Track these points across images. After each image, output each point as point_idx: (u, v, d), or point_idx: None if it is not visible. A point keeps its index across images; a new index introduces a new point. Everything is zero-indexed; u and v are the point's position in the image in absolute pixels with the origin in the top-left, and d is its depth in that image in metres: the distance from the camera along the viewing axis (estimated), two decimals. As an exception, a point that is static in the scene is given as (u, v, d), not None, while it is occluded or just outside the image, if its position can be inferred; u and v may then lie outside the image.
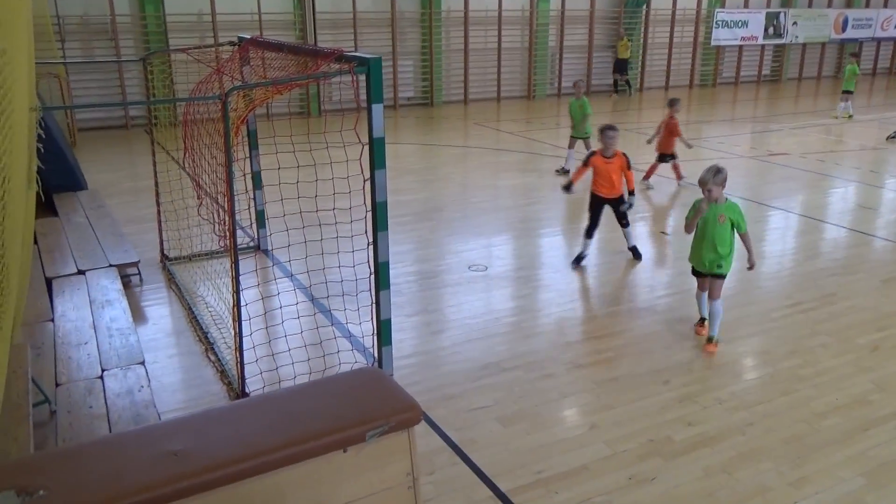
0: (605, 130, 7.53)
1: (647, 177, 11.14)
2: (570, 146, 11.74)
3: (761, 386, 5.38)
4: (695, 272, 6.05)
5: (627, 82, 21.23)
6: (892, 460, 4.46)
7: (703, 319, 6.17)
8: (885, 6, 26.03)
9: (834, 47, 25.50)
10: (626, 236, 7.97)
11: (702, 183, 5.66)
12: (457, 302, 6.88)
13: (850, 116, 17.33)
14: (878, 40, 26.24)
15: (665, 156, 11.04)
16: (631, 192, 7.60)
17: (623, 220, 7.82)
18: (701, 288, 6.10)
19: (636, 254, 7.95)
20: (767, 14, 23.22)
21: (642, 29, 21.57)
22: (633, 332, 6.24)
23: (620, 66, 21.01)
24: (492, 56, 19.68)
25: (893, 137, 14.26)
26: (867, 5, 25.76)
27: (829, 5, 24.83)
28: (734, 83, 23.77)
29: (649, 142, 11.24)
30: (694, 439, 4.67)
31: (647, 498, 4.12)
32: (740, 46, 23.36)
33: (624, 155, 7.57)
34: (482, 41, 19.50)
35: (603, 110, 18.84)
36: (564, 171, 11.44)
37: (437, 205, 10.12)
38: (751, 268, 5.88)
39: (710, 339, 5.89)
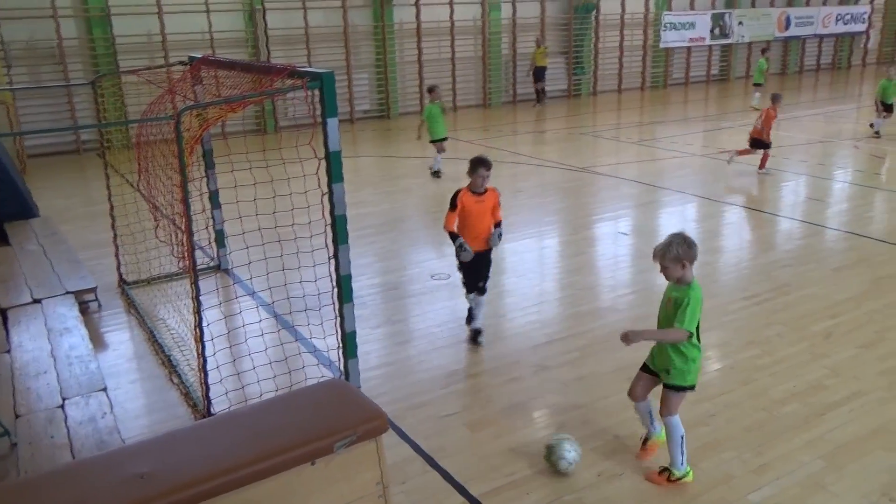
0: (479, 168, 5.72)
1: (762, 166, 11.88)
2: (439, 151, 12.29)
3: (722, 377, 5.51)
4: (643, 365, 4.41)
5: (542, 90, 20.60)
6: (849, 442, 4.60)
7: (646, 437, 4.50)
8: (825, 4, 26.85)
9: (778, 45, 26.21)
10: (476, 309, 6.09)
11: (654, 257, 4.10)
12: (421, 311, 6.91)
13: (755, 107, 18.32)
14: (820, 37, 27.04)
15: (760, 142, 11.78)
16: (497, 224, 5.87)
17: (483, 283, 6.00)
18: (636, 394, 4.36)
19: (477, 338, 6.12)
20: (713, 15, 23.78)
21: (593, 34, 21.92)
22: (597, 332, 6.33)
23: (539, 75, 20.46)
24: (446, 66, 19.82)
25: (877, 135, 14.61)
26: (808, 3, 26.55)
27: (772, 4, 25.53)
28: (684, 84, 24.27)
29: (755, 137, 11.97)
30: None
31: (616, 493, 4.19)
32: (688, 48, 23.88)
33: (495, 190, 5.95)
34: (436, 52, 19.63)
35: (555, 115, 19.08)
36: (437, 174, 12.20)
37: (398, 216, 10.14)
38: (625, 341, 4.13)
39: (662, 470, 4.29)
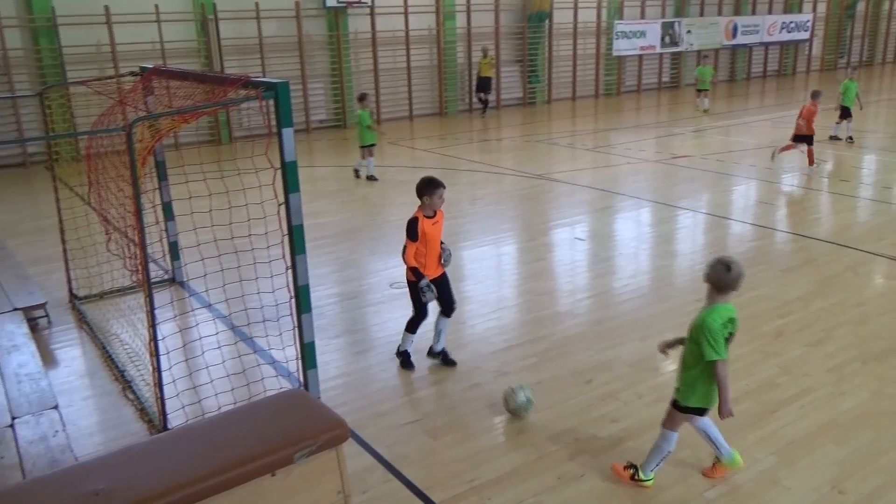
0: (439, 188, 5.49)
1: (811, 162, 12.64)
2: (363, 157, 12.80)
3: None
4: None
5: (486, 101, 20.39)
6: (800, 438, 4.73)
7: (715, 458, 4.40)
8: (770, 13, 27.64)
9: (726, 53, 26.87)
10: (444, 331, 5.87)
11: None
12: (381, 320, 6.90)
13: (706, 111, 19.60)
14: (766, 45, 27.81)
15: (802, 136, 12.56)
16: (441, 243, 5.69)
17: (451, 306, 5.83)
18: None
19: (448, 358, 5.93)
20: (663, 24, 24.28)
21: (546, 43, 22.19)
22: (555, 337, 6.40)
23: (483, 85, 20.28)
24: (402, 75, 19.85)
25: (850, 140, 14.94)
26: (754, 12, 27.29)
27: (720, 13, 26.18)
28: (637, 91, 24.71)
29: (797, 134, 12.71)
30: (618, 435, 4.83)
31: (576, 495, 4.24)
32: (640, 56, 24.33)
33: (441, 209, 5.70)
34: (391, 61, 19.65)
35: (511, 123, 19.25)
36: (368, 177, 12.77)
37: (356, 225, 10.12)
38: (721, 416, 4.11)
39: (630, 466, 4.40)
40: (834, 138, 15.05)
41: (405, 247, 5.52)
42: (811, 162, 12.68)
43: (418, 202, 5.58)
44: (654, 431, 4.79)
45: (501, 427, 5.04)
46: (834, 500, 4.13)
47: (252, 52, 17.36)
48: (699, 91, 19.89)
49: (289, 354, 5.58)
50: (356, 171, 13.08)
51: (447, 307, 5.80)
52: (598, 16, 23.02)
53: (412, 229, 5.46)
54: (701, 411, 4.19)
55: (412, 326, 5.81)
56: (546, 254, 8.88)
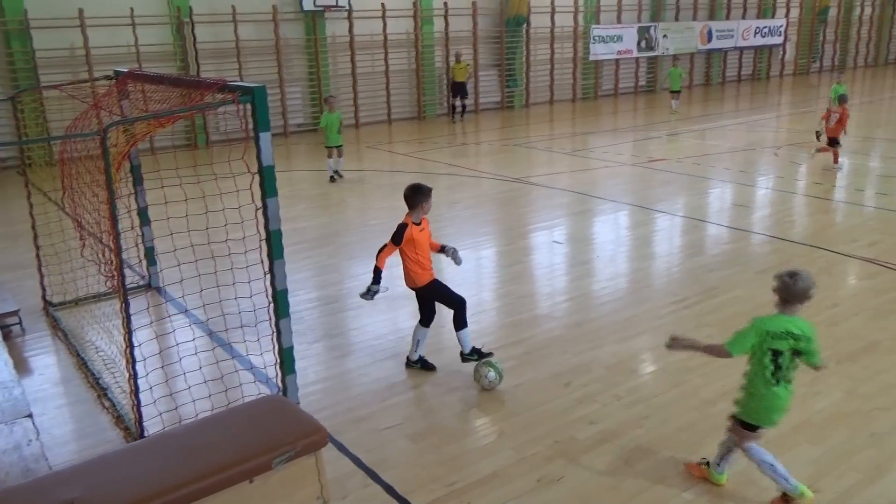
0: (429, 197, 5.70)
1: (835, 161, 13.01)
2: (330, 156, 13.10)
3: (655, 380, 5.66)
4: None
5: (463, 107, 20.32)
6: (775, 436, 4.75)
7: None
8: (744, 17, 27.99)
9: (702, 57, 27.16)
10: (420, 342, 5.89)
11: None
12: (360, 325, 6.88)
13: (675, 112, 20.39)
14: (740, 49, 28.16)
15: (835, 140, 12.95)
16: (444, 246, 5.89)
17: (431, 317, 5.88)
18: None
19: (427, 364, 5.91)
20: (639, 28, 24.50)
21: (524, 47, 22.29)
22: (534, 340, 6.42)
23: (458, 90, 20.17)
24: (380, 79, 19.84)
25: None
26: (728, 17, 27.62)
27: (695, 18, 26.47)
28: (614, 95, 24.90)
29: (819, 133, 13.20)
30: (596, 437, 4.85)
31: (556, 497, 4.25)
32: (617, 60, 24.52)
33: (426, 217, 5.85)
34: (369, 65, 19.64)
35: (489, 127, 19.30)
36: (335, 178, 13.06)
37: (335, 230, 10.08)
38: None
39: (781, 496, 4.14)
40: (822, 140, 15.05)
41: (384, 246, 5.59)
42: (836, 161, 13.05)
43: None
44: (633, 433, 4.85)
45: (481, 430, 5.05)
46: (815, 500, 4.18)
47: (229, 55, 17.26)
48: (672, 93, 20.65)
49: (267, 360, 5.54)
50: (332, 177, 13.14)
51: (427, 317, 5.81)
52: (575, 20, 23.18)
53: (399, 234, 5.54)
54: (752, 427, 4.03)
55: (460, 322, 5.77)
56: (524, 257, 8.91)
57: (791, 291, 3.88)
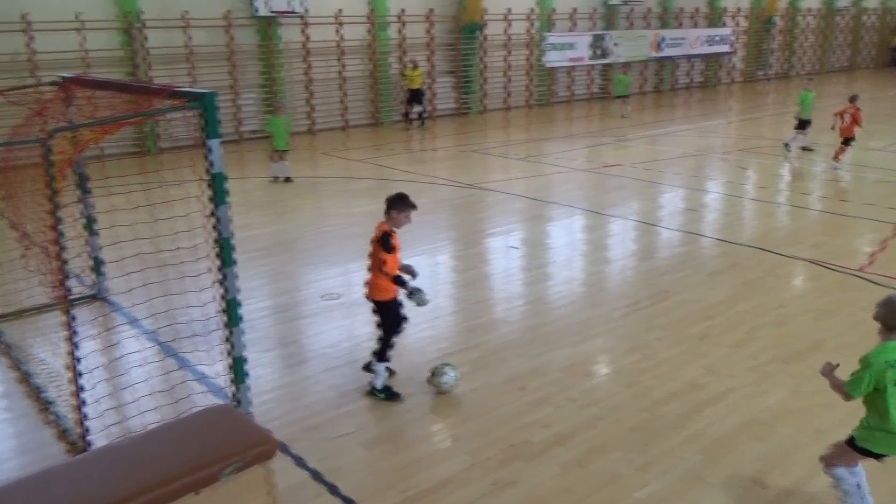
0: (412, 208, 5.51)
1: (837, 158, 13.64)
2: (274, 160, 13.42)
3: (608, 382, 5.73)
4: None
5: (423, 114, 20.17)
6: (724, 436, 4.88)
7: None
8: (694, 26, 28.61)
9: (654, 65, 27.66)
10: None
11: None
12: (314, 332, 6.82)
13: (626, 117, 21.17)
14: (691, 57, 28.77)
15: (850, 139, 13.62)
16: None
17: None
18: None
19: (394, 393, 5.58)
20: (593, 36, 24.86)
21: (479, 54, 22.42)
22: (489, 344, 6.44)
23: (415, 97, 19.93)
24: (335, 86, 19.74)
25: (806, 149, 15.36)
26: (679, 26, 28.20)
27: (647, 27, 26.96)
28: (568, 101, 25.19)
29: (834, 128, 13.93)
30: (550, 439, 4.89)
31: (510, 500, 4.27)
32: (571, 67, 24.83)
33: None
34: (324, 72, 19.52)
35: (445, 134, 19.36)
36: (277, 180, 13.36)
37: (289, 237, 9.99)
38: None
39: None
40: (788, 147, 15.25)
41: (382, 260, 5.29)
42: (838, 158, 13.67)
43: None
44: (586, 435, 4.89)
45: (436, 436, 5.05)
46: (756, 495, 4.28)
47: (180, 61, 16.99)
48: (618, 97, 21.70)
49: (219, 370, 5.46)
50: (283, 179, 13.31)
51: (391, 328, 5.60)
52: (530, 28, 23.41)
53: (387, 242, 5.32)
54: (865, 452, 3.85)
55: (383, 354, 5.49)
56: (480, 263, 8.94)
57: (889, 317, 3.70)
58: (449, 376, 5.50)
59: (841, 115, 13.85)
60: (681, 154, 15.54)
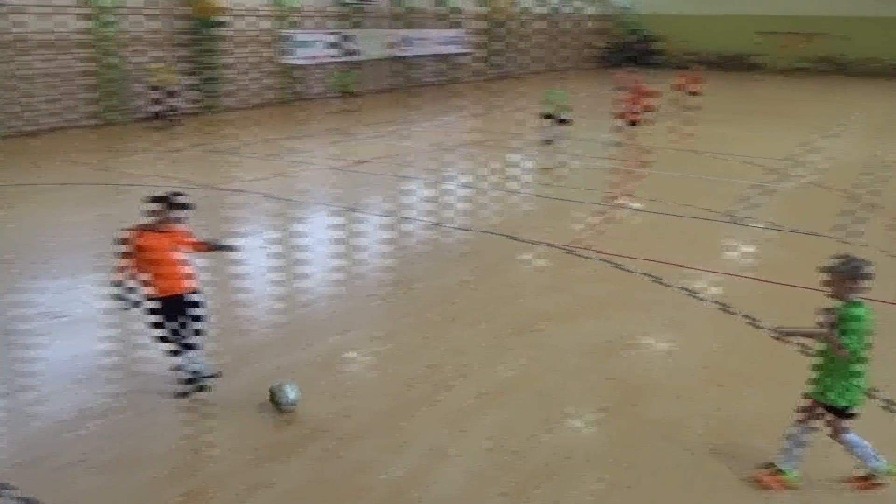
0: (176, 204, 5.33)
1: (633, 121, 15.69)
2: None
3: (360, 372, 5.87)
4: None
5: (169, 112, 18.51)
6: (465, 409, 5.20)
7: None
8: (432, 28, 29.98)
9: (394, 64, 28.53)
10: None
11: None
12: (33, 355, 6.11)
13: (350, 112, 21.75)
14: (429, 56, 30.14)
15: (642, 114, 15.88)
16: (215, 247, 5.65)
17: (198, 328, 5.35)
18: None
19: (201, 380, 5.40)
20: (335, 35, 25.01)
21: (219, 50, 21.51)
22: (239, 346, 6.23)
23: (159, 95, 18.34)
24: (62, 81, 17.75)
25: (550, 140, 16.16)
26: (417, 27, 29.36)
27: (386, 27, 27.70)
28: (314, 100, 25.09)
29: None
30: (302, 436, 4.85)
31: (266, 502, 4.18)
32: (314, 65, 24.76)
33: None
34: (47, 66, 17.45)
35: (185, 133, 18.36)
36: None
37: (2, 252, 8.83)
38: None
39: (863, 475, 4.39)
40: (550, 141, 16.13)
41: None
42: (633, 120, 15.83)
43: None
44: (340, 426, 4.93)
45: (180, 450, 4.79)
46: (496, 458, 4.61)
47: None
48: (342, 94, 22.47)
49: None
50: None
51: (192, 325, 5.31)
52: (271, 25, 22.95)
53: (122, 240, 5.14)
54: (844, 411, 4.17)
55: (172, 348, 5.25)
56: (228, 265, 8.60)
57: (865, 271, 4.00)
58: (290, 395, 5.09)
59: (629, 98, 15.89)
60: (423, 149, 16.20)
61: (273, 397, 5.09)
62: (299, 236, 9.84)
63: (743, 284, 7.81)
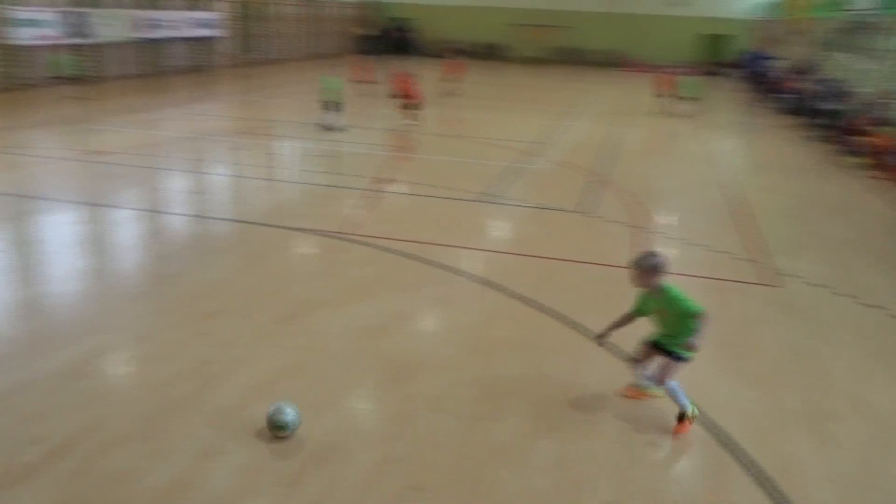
0: None
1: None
2: None
3: (111, 377, 5.38)
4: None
5: None
6: (233, 405, 5.01)
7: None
8: (180, 9, 28.18)
9: (144, 48, 26.48)
10: None
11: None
12: None
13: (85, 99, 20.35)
14: (180, 39, 28.35)
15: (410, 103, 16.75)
16: None
17: None
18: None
19: None
20: (70, 13, 22.59)
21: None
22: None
23: None
24: None
25: (339, 129, 15.39)
26: (161, 8, 27.43)
27: (129, 6, 25.56)
28: (40, 85, 22.51)
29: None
30: (46, 454, 4.39)
31: None
32: (43, 46, 22.19)
33: None
34: None
35: None
36: None
37: None
38: None
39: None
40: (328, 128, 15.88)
41: None
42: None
43: None
44: (91, 436, 4.50)
45: None
46: (269, 449, 4.50)
47: None
48: (67, 79, 20.57)
49: None
50: None
51: None
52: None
53: None
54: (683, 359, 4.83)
55: None
56: (-56, 273, 7.48)
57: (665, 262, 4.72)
58: (291, 418, 4.66)
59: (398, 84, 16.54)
60: (179, 138, 15.25)
61: (274, 424, 4.64)
62: (38, 236, 8.78)
63: (500, 259, 8.34)
